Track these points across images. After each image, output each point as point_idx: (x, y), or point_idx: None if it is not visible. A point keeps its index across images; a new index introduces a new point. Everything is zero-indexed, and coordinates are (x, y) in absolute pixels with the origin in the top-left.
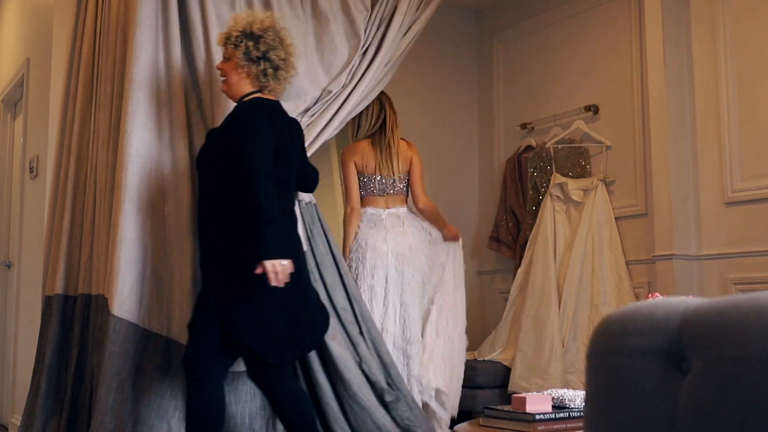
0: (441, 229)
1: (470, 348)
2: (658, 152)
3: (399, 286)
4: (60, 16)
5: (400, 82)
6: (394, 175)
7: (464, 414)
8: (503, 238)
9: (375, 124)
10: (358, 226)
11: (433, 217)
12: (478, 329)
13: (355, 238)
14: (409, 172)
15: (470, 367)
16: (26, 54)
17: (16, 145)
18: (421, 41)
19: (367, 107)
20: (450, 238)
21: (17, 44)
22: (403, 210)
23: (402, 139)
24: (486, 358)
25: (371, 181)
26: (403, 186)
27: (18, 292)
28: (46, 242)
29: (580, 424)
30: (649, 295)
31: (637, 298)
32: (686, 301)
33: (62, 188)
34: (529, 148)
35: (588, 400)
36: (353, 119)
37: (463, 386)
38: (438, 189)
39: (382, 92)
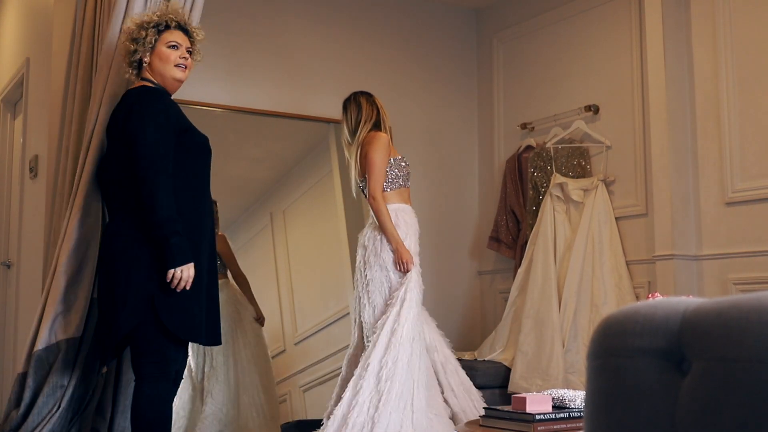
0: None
1: (470, 348)
2: (659, 152)
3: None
4: (60, 16)
5: (400, 82)
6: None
7: None
8: (503, 238)
9: (378, 122)
10: (406, 222)
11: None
12: (478, 329)
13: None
14: None
15: (470, 367)
16: (26, 54)
17: (15, 145)
18: (422, 41)
19: (378, 101)
20: None
21: (17, 44)
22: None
23: None
24: (486, 359)
25: (405, 169)
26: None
27: (17, 292)
28: (45, 242)
29: (580, 425)
30: (650, 296)
31: (638, 298)
32: (686, 301)
33: (60, 188)
34: (529, 148)
35: (588, 400)
36: (370, 112)
37: None
38: (438, 189)
39: (372, 96)
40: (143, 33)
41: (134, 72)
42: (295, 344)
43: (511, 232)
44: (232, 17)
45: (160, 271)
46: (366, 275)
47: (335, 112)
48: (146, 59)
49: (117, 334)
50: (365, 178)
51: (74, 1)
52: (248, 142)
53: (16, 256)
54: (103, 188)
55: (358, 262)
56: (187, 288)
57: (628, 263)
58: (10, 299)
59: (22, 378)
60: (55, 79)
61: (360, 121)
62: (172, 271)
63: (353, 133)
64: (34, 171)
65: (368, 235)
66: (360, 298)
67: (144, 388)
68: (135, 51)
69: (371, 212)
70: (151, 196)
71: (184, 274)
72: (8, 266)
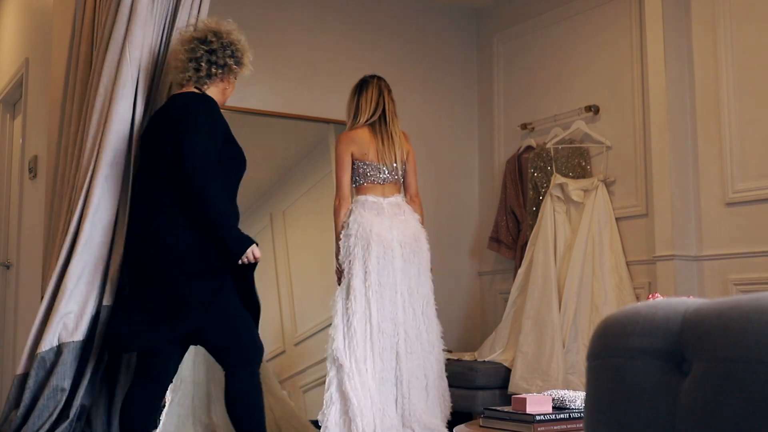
0: None
1: (470, 349)
2: (659, 152)
3: (407, 275)
4: (59, 17)
5: (400, 82)
6: (395, 163)
7: (464, 415)
8: (503, 238)
9: (375, 112)
10: (362, 214)
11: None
12: (478, 330)
13: (357, 225)
14: (405, 163)
15: (470, 368)
16: (25, 54)
17: (15, 145)
18: (422, 41)
19: (365, 94)
20: None
21: (16, 44)
22: (400, 198)
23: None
24: (486, 359)
25: (373, 169)
26: (400, 176)
27: (17, 293)
28: (44, 243)
29: (581, 425)
30: (650, 296)
31: (638, 298)
32: (687, 301)
33: (59, 189)
34: (529, 148)
35: (588, 400)
36: (350, 107)
37: (463, 387)
38: (438, 189)
39: (380, 78)
40: (245, 57)
41: (206, 79)
42: (295, 345)
43: (511, 232)
44: (232, 18)
45: (216, 272)
46: (422, 283)
47: (335, 112)
48: (223, 77)
49: (179, 330)
50: (404, 169)
51: (74, 1)
52: (248, 142)
53: (16, 257)
54: (138, 189)
55: (404, 265)
56: (258, 259)
57: (628, 264)
58: (9, 300)
59: (23, 379)
60: (54, 79)
61: (395, 111)
62: (241, 260)
63: (394, 114)
64: (33, 171)
65: (422, 237)
66: (411, 309)
67: (234, 380)
68: (226, 65)
69: (411, 210)
70: (204, 196)
71: (254, 254)
72: (8, 267)
